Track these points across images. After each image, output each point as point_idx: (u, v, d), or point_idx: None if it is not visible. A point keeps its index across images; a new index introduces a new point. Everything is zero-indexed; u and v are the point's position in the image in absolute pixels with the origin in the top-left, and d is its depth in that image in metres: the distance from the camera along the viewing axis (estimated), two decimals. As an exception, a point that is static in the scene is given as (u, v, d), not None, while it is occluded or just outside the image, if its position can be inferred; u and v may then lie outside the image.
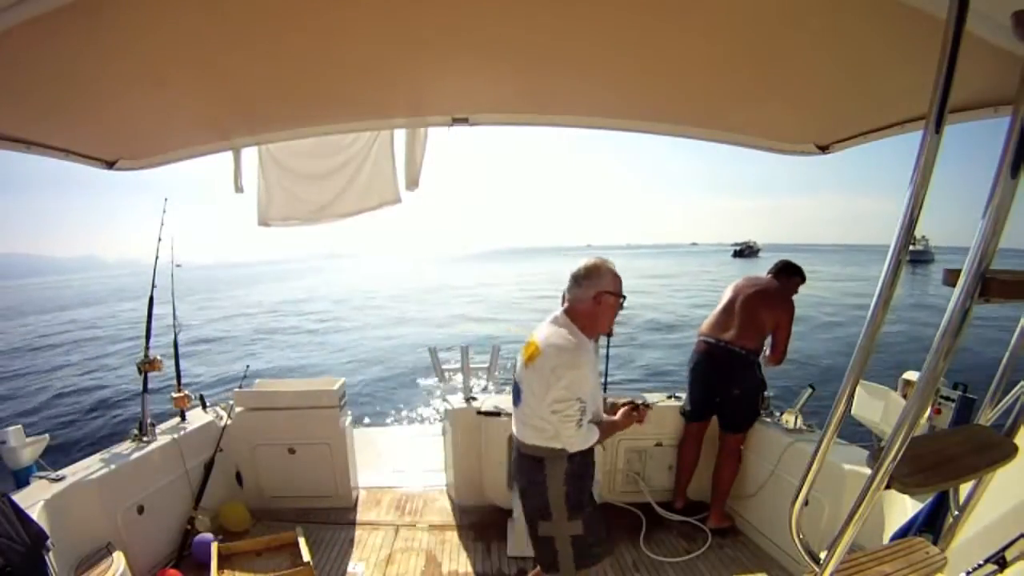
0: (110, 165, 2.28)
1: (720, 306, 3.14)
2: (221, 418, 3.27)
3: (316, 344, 18.01)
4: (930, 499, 1.68)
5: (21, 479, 2.42)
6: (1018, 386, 1.15)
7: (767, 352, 3.04)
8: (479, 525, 3.16)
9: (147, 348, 2.95)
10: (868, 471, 0.86)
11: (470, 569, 2.77)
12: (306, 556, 2.59)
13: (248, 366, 4.39)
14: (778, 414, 3.05)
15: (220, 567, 2.56)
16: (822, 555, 0.94)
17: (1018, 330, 1.08)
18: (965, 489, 1.19)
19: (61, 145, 2.03)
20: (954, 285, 0.80)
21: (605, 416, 2.00)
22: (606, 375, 3.57)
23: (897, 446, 0.82)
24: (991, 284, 0.77)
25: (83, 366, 15.00)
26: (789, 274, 3.11)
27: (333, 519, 3.23)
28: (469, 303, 29.19)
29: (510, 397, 3.32)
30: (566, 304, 1.90)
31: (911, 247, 0.83)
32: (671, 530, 3.09)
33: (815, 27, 1.33)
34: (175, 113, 1.96)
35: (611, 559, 1.95)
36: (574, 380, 1.76)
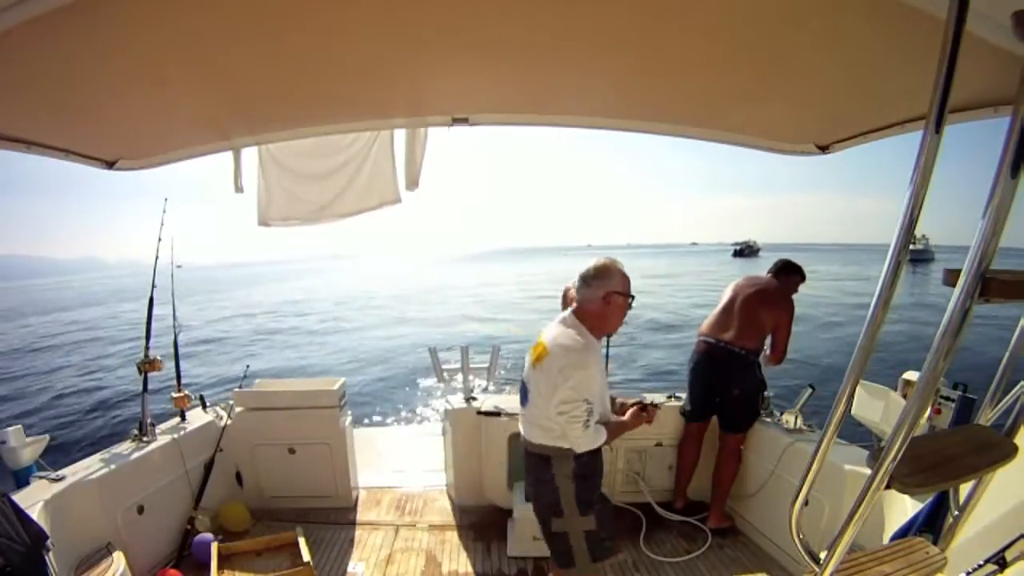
0: (110, 165, 2.28)
1: (720, 306, 3.14)
2: (221, 418, 3.27)
3: (317, 344, 18.01)
4: (930, 499, 1.68)
5: (21, 479, 2.42)
6: (1018, 386, 1.15)
7: (767, 352, 3.04)
8: (479, 525, 3.16)
9: (147, 348, 2.95)
10: (868, 471, 0.86)
11: (470, 569, 2.77)
12: (306, 556, 2.59)
13: (248, 366, 4.39)
14: (778, 414, 3.05)
15: (220, 567, 2.56)
16: (822, 555, 0.94)
17: (1018, 330, 1.08)
18: (965, 489, 1.19)
19: (61, 145, 2.03)
20: (954, 285, 0.80)
21: (613, 416, 2.00)
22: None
23: (897, 446, 0.82)
24: (991, 284, 0.77)
25: (83, 367, 15.00)
26: (788, 273, 3.11)
27: (333, 519, 3.23)
28: (469, 303, 29.20)
29: (510, 397, 3.32)
30: (574, 304, 1.90)
31: (911, 246, 0.83)
32: (671, 530, 3.09)
33: (815, 27, 1.33)
34: (175, 113, 1.96)
35: (611, 559, 1.96)
36: (581, 381, 1.76)
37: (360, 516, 3.29)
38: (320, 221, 3.02)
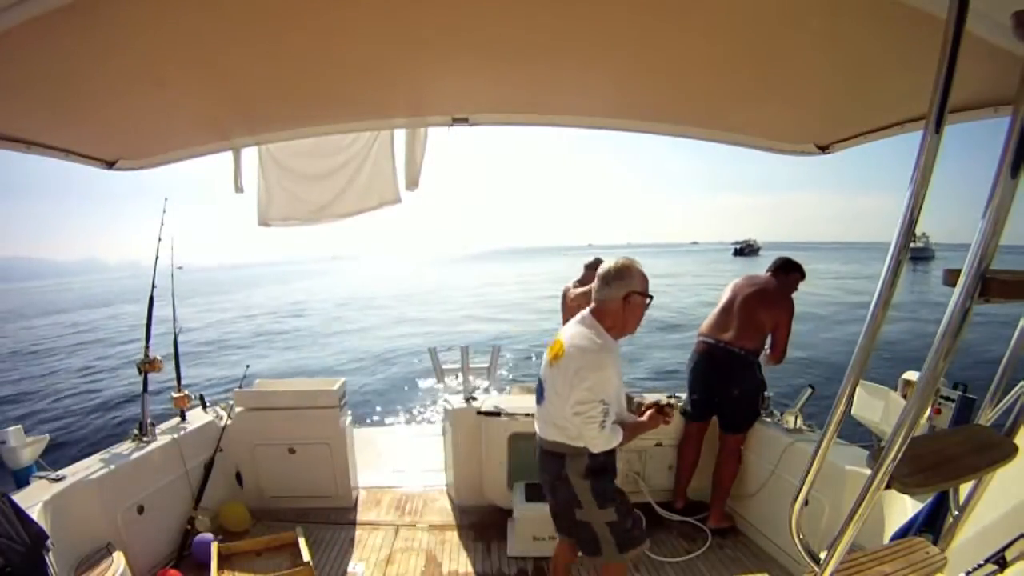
0: (110, 165, 2.28)
1: (719, 306, 3.14)
2: (221, 418, 3.27)
3: (317, 345, 18.01)
4: (930, 499, 1.68)
5: (21, 479, 2.42)
6: (1018, 386, 1.15)
7: (768, 351, 3.04)
8: (479, 525, 3.16)
9: (147, 348, 2.95)
10: (868, 471, 0.86)
11: (470, 569, 2.77)
12: (306, 556, 2.59)
13: (248, 366, 4.40)
14: (778, 414, 3.05)
15: (220, 567, 2.56)
16: (822, 555, 0.94)
17: (1018, 330, 1.08)
18: (965, 489, 1.19)
19: (61, 145, 2.04)
20: (954, 285, 0.80)
21: (630, 416, 2.00)
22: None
23: (897, 446, 0.82)
24: (991, 284, 0.77)
25: (84, 368, 15.01)
26: (788, 271, 3.10)
27: (333, 519, 3.23)
28: (470, 304, 29.18)
29: (510, 397, 3.31)
30: (592, 304, 1.91)
31: (911, 244, 0.83)
32: (671, 530, 3.09)
33: (815, 27, 1.33)
34: (175, 113, 1.96)
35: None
36: (598, 382, 1.76)
37: (360, 516, 3.29)
38: (320, 221, 3.02)
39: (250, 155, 2.79)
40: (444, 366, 3.47)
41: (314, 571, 2.53)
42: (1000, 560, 1.18)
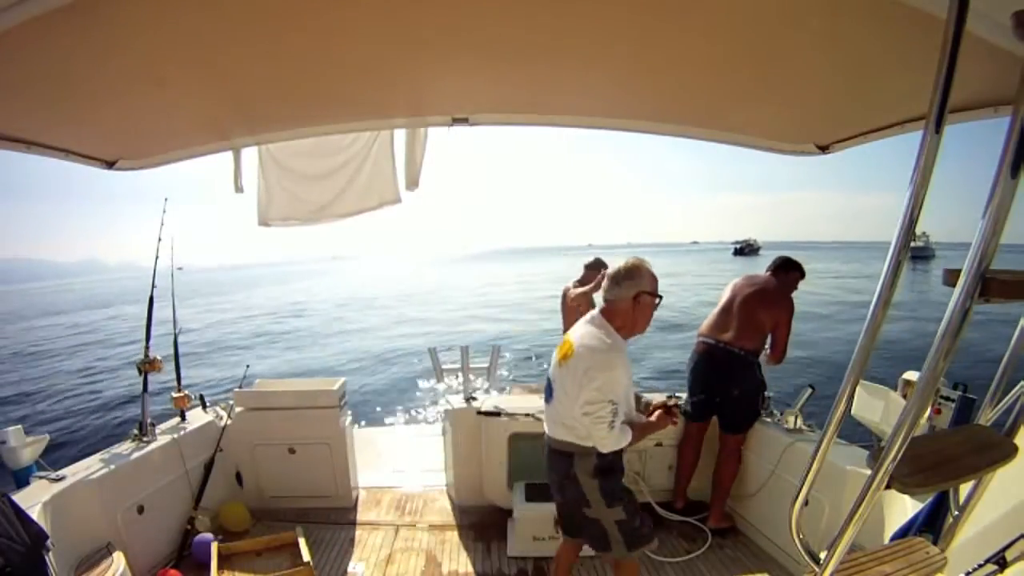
0: (110, 165, 2.29)
1: (719, 306, 3.14)
2: (221, 418, 3.28)
3: (317, 345, 18.01)
4: (930, 499, 1.68)
5: (21, 479, 2.42)
6: (1018, 386, 1.15)
7: (768, 351, 3.04)
8: (479, 525, 3.16)
9: (147, 348, 2.95)
10: (868, 471, 0.86)
11: (470, 569, 2.77)
12: (306, 556, 2.59)
13: (248, 366, 4.40)
14: (778, 414, 3.05)
15: (220, 567, 2.56)
16: (822, 555, 0.94)
17: (1018, 330, 1.08)
18: (965, 489, 1.19)
19: (61, 145, 2.04)
20: (954, 285, 0.79)
21: (637, 415, 2.00)
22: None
23: (897, 446, 0.82)
24: (991, 284, 0.77)
25: (84, 368, 15.02)
26: (788, 270, 3.10)
27: (333, 519, 3.23)
28: (470, 304, 29.18)
29: (510, 397, 3.31)
30: (602, 303, 1.91)
31: (911, 244, 0.83)
32: (671, 530, 3.08)
33: (815, 27, 1.33)
34: (175, 113, 1.96)
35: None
36: (607, 382, 1.76)
37: (360, 516, 3.29)
38: (320, 221, 3.02)
39: (250, 155, 2.79)
40: (444, 366, 3.47)
41: (314, 571, 2.53)
42: (1000, 560, 1.18)
